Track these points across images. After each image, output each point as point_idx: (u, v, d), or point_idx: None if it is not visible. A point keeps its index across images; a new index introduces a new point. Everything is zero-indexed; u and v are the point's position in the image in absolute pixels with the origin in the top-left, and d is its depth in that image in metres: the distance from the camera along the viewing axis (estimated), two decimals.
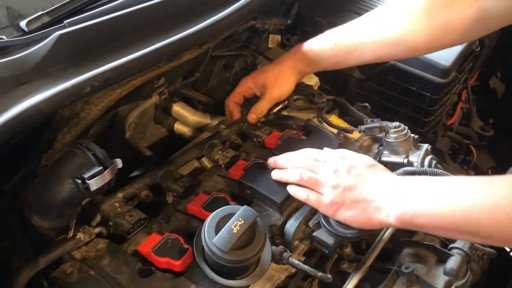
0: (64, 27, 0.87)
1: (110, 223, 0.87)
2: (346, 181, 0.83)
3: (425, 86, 1.28)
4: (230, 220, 0.77)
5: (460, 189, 0.75)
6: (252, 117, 1.12)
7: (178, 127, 1.27)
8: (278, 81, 1.12)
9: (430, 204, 0.76)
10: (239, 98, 1.17)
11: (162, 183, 0.96)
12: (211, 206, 0.90)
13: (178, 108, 1.26)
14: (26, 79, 0.78)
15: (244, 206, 0.80)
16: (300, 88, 1.21)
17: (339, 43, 1.07)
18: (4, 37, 0.86)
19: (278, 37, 1.45)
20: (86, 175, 0.76)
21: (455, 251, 0.93)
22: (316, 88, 1.28)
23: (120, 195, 0.91)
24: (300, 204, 0.93)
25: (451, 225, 0.74)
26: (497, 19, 0.92)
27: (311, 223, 0.91)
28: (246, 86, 1.15)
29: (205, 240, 0.76)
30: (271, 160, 0.99)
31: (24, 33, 0.88)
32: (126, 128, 1.15)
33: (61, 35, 0.81)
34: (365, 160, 0.89)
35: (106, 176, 0.78)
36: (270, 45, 1.45)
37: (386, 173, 0.86)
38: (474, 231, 0.72)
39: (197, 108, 1.31)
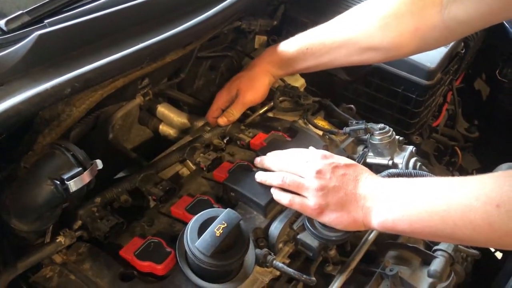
0: (45, 27, 0.85)
1: (89, 228, 0.86)
2: (331, 182, 0.83)
3: (411, 88, 1.28)
4: (213, 223, 0.76)
5: (436, 192, 0.76)
6: (223, 120, 1.11)
7: (163, 128, 1.26)
8: (251, 85, 1.12)
9: (408, 209, 0.77)
10: (218, 113, 1.16)
11: (141, 187, 0.95)
12: (194, 209, 0.89)
13: (163, 109, 1.25)
14: (4, 79, 0.77)
15: (227, 209, 0.79)
16: (286, 90, 1.21)
17: (310, 47, 1.07)
18: None
19: (264, 38, 1.44)
20: (65, 176, 0.74)
21: (439, 253, 0.94)
22: (302, 89, 1.27)
23: (98, 200, 0.90)
24: (285, 206, 0.92)
25: (429, 229, 0.75)
26: (462, 27, 0.94)
27: (295, 226, 0.90)
28: (222, 100, 1.15)
29: (188, 244, 0.75)
30: (258, 160, 0.98)
31: (3, 32, 0.86)
32: (110, 129, 1.14)
33: (41, 35, 0.79)
34: (347, 160, 0.89)
35: (86, 177, 0.76)
36: (256, 46, 1.44)
37: (368, 174, 0.86)
38: (451, 234, 0.73)
39: (183, 109, 1.30)
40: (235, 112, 1.12)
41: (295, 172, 0.88)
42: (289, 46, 1.11)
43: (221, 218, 0.77)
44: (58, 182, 0.74)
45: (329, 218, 0.83)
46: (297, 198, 0.86)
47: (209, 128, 1.15)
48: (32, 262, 0.79)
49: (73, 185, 0.74)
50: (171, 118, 1.25)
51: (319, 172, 0.84)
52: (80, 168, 0.76)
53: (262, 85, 1.13)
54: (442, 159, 1.60)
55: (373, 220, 0.80)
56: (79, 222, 0.87)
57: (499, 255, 1.50)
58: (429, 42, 1.01)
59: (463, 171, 1.63)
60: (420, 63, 1.26)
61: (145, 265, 0.80)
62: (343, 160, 0.88)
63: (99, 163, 0.79)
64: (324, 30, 1.08)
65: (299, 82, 1.30)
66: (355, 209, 0.81)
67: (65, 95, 0.76)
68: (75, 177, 0.74)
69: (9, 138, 0.80)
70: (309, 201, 0.84)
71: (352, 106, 1.25)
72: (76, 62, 0.81)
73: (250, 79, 1.12)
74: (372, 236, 0.96)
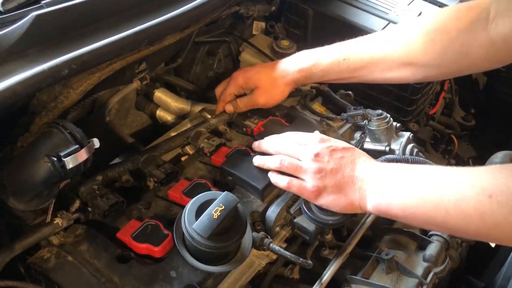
0: (42, 7, 0.84)
1: (88, 207, 0.86)
2: (328, 165, 0.83)
3: None
4: (211, 206, 0.76)
5: (430, 180, 0.76)
6: (229, 108, 1.09)
7: (160, 113, 1.26)
8: (269, 90, 1.07)
9: (403, 194, 0.77)
10: (231, 98, 1.12)
11: (144, 168, 0.95)
12: (192, 192, 0.89)
13: (160, 94, 1.25)
14: (1, 60, 0.76)
15: (225, 192, 0.79)
16: None
17: (347, 59, 1.01)
18: None
19: (262, 24, 1.43)
20: (62, 153, 0.74)
21: (434, 238, 0.94)
22: None
23: (99, 178, 0.90)
24: (282, 191, 0.93)
25: (422, 215, 0.75)
26: (509, 46, 0.85)
27: (292, 210, 0.91)
28: (237, 86, 1.09)
29: (185, 226, 0.76)
30: (256, 144, 0.99)
31: (0, 13, 0.85)
32: (107, 113, 1.13)
33: (38, 16, 0.78)
34: (344, 143, 0.89)
35: (83, 155, 0.76)
36: (254, 32, 1.43)
37: (365, 157, 0.86)
38: (442, 223, 0.73)
39: (180, 95, 1.30)
40: (243, 107, 1.09)
41: (293, 155, 0.88)
42: (323, 56, 1.04)
43: (219, 201, 0.77)
44: (55, 159, 0.73)
45: (326, 200, 0.83)
46: (295, 181, 0.87)
47: (207, 114, 1.14)
48: (29, 243, 0.79)
49: (70, 162, 0.73)
50: (168, 103, 1.24)
51: (317, 155, 0.85)
52: (77, 146, 0.75)
53: (280, 94, 1.08)
54: (438, 146, 1.60)
55: (368, 203, 0.80)
56: (77, 205, 0.87)
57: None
58: (473, 62, 0.92)
59: (459, 159, 1.64)
60: None
61: (143, 247, 0.81)
62: (340, 143, 0.88)
63: (96, 142, 0.79)
64: (363, 43, 1.02)
65: None
66: (352, 192, 0.82)
67: (62, 77, 0.76)
68: (72, 154, 0.74)
69: (5, 120, 0.79)
70: (307, 184, 0.85)
71: (350, 92, 1.25)
72: (74, 44, 0.80)
73: (271, 85, 1.06)
74: (368, 221, 0.96)
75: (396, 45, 0.97)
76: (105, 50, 0.80)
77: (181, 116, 1.24)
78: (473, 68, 0.98)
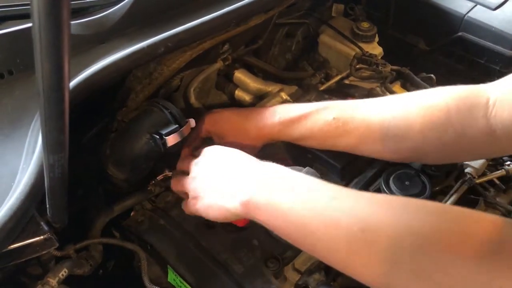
0: None
1: None
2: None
3: (494, 59, 1.23)
4: None
5: (313, 197, 0.65)
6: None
7: (239, 93, 1.30)
8: (236, 143, 0.90)
9: (275, 200, 0.67)
10: (195, 143, 0.94)
11: None
12: None
13: (239, 75, 1.28)
14: (105, 38, 0.83)
15: (307, 167, 0.82)
16: (364, 57, 1.20)
17: (337, 117, 0.85)
18: None
19: (341, 6, 1.43)
20: (164, 132, 0.80)
21: None
22: (380, 58, 1.26)
23: None
24: (360, 170, 0.94)
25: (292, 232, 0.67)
26: (508, 137, 0.75)
27: (371, 189, 0.92)
28: (204, 129, 0.94)
29: None
30: None
31: None
32: (192, 92, 1.19)
33: None
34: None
35: (182, 134, 0.82)
36: (333, 14, 1.43)
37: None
38: (310, 244, 0.66)
39: (257, 76, 1.33)
40: None
41: None
42: (310, 110, 0.88)
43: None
44: (157, 137, 0.80)
45: None
46: None
47: (284, 95, 1.17)
48: (127, 206, 0.87)
49: (170, 140, 0.80)
50: (247, 84, 1.28)
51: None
52: (177, 125, 0.81)
53: (248, 149, 0.85)
54: None
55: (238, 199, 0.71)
56: (167, 175, 0.93)
57: None
58: (473, 146, 0.80)
59: None
60: (506, 32, 1.20)
61: None
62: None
63: (192, 122, 0.85)
64: (359, 105, 0.87)
65: (377, 50, 1.28)
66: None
67: (158, 54, 0.82)
68: (172, 133, 0.80)
69: (103, 94, 0.87)
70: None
71: (432, 75, 1.23)
72: (169, 24, 0.85)
73: (241, 136, 0.90)
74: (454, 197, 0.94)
75: (396, 111, 0.83)
76: (198, 30, 0.85)
77: (259, 96, 1.28)
78: (473, 153, 0.85)
